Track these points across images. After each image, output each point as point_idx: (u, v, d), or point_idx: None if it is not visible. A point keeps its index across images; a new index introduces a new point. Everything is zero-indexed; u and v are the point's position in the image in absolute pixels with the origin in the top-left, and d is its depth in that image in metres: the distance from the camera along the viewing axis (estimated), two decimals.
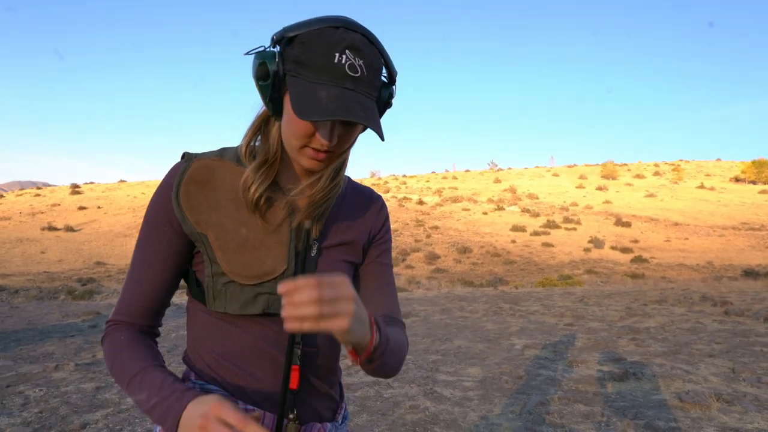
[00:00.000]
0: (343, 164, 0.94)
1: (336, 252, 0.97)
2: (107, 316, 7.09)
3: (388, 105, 0.91)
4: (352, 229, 0.99)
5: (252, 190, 0.88)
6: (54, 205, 43.46)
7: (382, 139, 0.84)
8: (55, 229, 32.89)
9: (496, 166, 78.12)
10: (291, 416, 0.89)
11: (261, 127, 0.92)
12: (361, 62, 0.81)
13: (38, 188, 58.96)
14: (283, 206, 0.91)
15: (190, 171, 0.90)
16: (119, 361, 0.87)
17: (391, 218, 37.23)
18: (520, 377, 4.54)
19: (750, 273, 16.17)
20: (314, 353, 0.95)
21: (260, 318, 0.91)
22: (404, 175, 72.79)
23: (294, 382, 0.88)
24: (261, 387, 0.92)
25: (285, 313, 0.69)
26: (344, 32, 0.80)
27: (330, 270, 0.94)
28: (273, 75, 0.82)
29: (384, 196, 48.77)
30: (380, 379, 4.55)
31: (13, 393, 4.15)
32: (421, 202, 44.83)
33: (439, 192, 52.07)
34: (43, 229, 32.85)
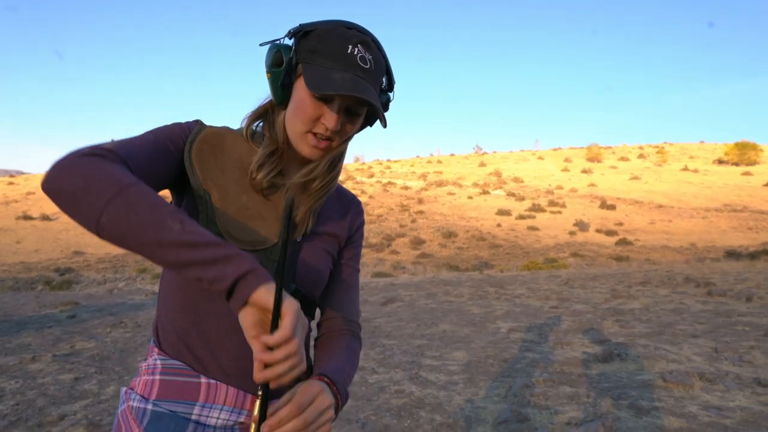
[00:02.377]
0: (340, 157, 1.00)
1: (319, 241, 1.02)
2: (86, 307, 6.92)
3: (385, 108, 0.99)
4: (334, 223, 1.05)
5: (261, 174, 0.93)
6: (29, 193, 42.64)
7: (385, 125, 0.93)
8: (31, 218, 32.29)
9: (481, 149, 78.29)
10: (260, 393, 0.87)
11: (264, 114, 0.99)
12: (370, 57, 0.90)
13: (11, 176, 57.77)
14: (284, 191, 0.96)
15: (204, 133, 0.95)
16: (147, 189, 0.74)
17: (376, 203, 37.32)
18: (506, 360, 4.53)
19: (732, 254, 16.43)
20: None
21: None
22: (388, 160, 72.66)
23: None
24: (227, 361, 0.92)
25: None
26: (357, 32, 0.89)
27: (312, 256, 0.99)
28: (287, 62, 0.89)
29: (368, 181, 48.63)
30: (365, 365, 4.52)
31: None
32: (405, 187, 44.79)
33: (423, 176, 52.06)
34: (18, 218, 32.23)
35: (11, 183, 49.69)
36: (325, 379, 0.86)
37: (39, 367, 4.56)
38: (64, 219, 32.69)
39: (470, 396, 3.69)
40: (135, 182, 0.73)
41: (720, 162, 58.07)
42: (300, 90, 0.89)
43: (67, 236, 27.92)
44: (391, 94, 0.99)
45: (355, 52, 0.88)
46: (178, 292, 0.94)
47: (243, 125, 0.99)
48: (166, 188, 0.94)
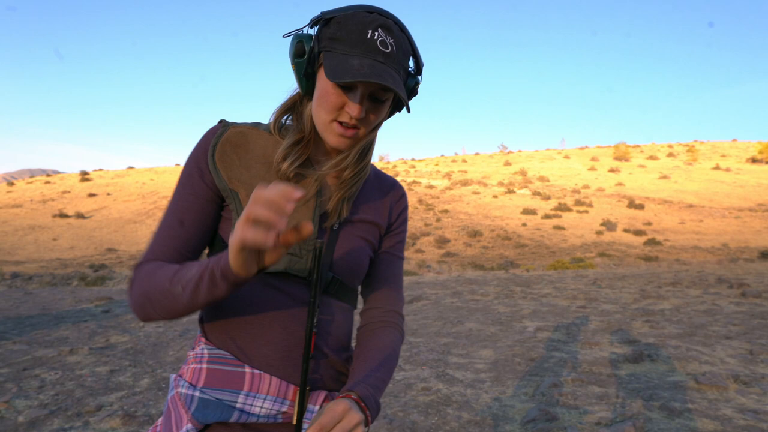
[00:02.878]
0: (370, 146, 0.99)
1: (356, 228, 1.01)
2: (120, 302, 7.10)
3: (414, 93, 0.97)
4: (372, 210, 1.04)
5: (286, 164, 0.93)
6: (64, 192, 43.84)
7: (408, 110, 0.92)
8: (66, 216, 33.20)
9: (506, 148, 77.46)
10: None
11: (292, 107, 0.99)
12: (391, 41, 0.88)
13: (48, 176, 59.42)
14: (313, 181, 0.96)
15: (227, 134, 0.96)
16: (155, 276, 0.87)
17: None
18: (533, 359, 4.51)
19: (767, 254, 15.95)
20: (328, 322, 0.98)
21: (277, 282, 0.93)
22: (413, 159, 72.47)
23: (311, 349, 0.90)
24: (270, 352, 0.93)
25: None
26: (378, 16, 0.88)
27: (349, 244, 0.99)
28: (309, 52, 0.89)
29: None
30: None
31: (30, 376, 4.20)
32: (430, 186, 44.65)
33: (448, 175, 51.79)
34: (54, 216, 33.17)
35: (48, 182, 51.15)
36: (353, 396, 0.86)
37: (77, 360, 4.71)
38: (98, 217, 33.55)
39: (498, 394, 3.69)
40: (149, 284, 0.87)
41: (753, 160, 56.35)
42: (322, 79, 0.89)
43: (101, 234, 28.65)
44: (420, 78, 0.97)
45: (375, 37, 0.86)
46: None
47: (271, 120, 1.00)
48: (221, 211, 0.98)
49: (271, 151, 0.96)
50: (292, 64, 0.92)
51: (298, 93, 0.99)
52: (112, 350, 5.09)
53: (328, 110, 0.89)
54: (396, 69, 0.89)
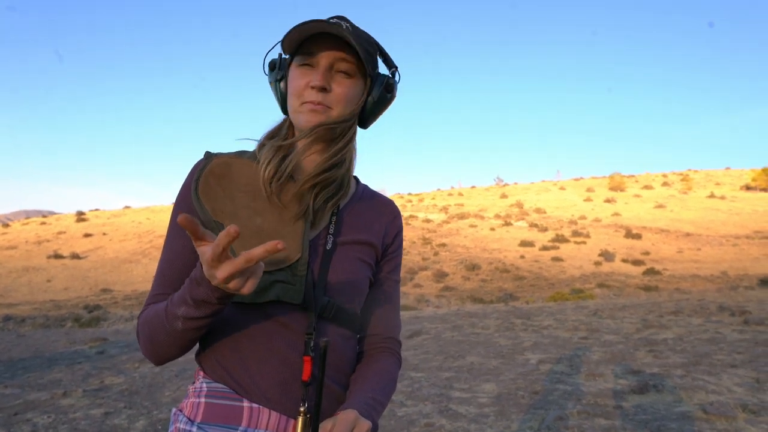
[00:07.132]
0: (348, 140, 0.96)
1: (351, 249, 0.98)
2: (115, 343, 7.02)
3: (389, 90, 0.98)
4: (366, 230, 1.01)
5: (270, 167, 0.93)
6: (60, 233, 43.71)
7: (392, 94, 0.98)
8: (61, 257, 33.01)
9: (502, 181, 78.03)
10: (302, 409, 0.88)
11: (278, 133, 0.99)
12: (348, 26, 0.91)
13: (44, 216, 59.36)
14: (296, 191, 0.93)
15: (210, 166, 0.95)
16: (151, 316, 0.89)
17: None
18: (537, 392, 4.42)
19: (767, 282, 15.91)
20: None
21: (271, 311, 0.90)
22: (410, 193, 72.82)
23: (306, 374, 0.88)
24: (268, 385, 0.90)
25: None
26: (333, 16, 0.93)
27: (345, 265, 0.96)
28: (278, 61, 0.97)
29: None
30: (393, 398, 4.45)
31: (21, 420, 4.09)
32: (427, 220, 44.72)
33: (445, 209, 51.96)
34: (49, 257, 32.99)
35: (44, 223, 51.05)
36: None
37: (70, 403, 4.60)
38: (93, 257, 33.36)
39: (502, 429, 3.60)
40: (150, 326, 0.88)
41: (748, 188, 56.87)
42: (290, 72, 0.94)
43: (96, 274, 28.42)
44: (396, 73, 1.00)
45: (330, 19, 0.90)
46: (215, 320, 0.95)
47: (256, 147, 0.99)
48: None
49: (255, 178, 0.94)
50: (270, 83, 0.98)
51: (283, 120, 1.00)
52: (106, 392, 4.97)
53: (296, 93, 0.92)
54: (357, 42, 0.88)
